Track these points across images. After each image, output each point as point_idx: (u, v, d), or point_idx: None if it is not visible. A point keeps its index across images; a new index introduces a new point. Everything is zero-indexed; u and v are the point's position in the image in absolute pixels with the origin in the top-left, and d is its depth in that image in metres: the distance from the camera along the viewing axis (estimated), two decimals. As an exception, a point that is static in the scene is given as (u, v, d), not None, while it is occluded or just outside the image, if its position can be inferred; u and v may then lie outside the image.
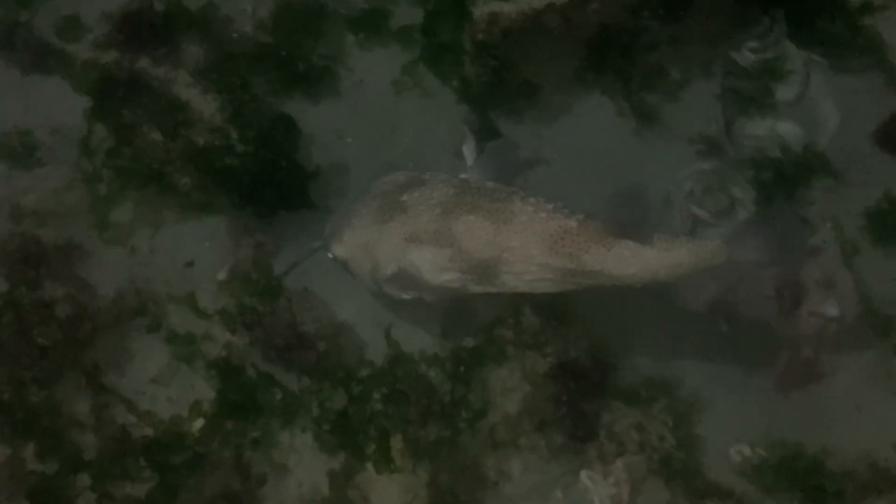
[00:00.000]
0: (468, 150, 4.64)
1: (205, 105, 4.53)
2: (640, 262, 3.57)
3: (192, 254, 4.52)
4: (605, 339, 4.24)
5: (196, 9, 4.82)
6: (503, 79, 4.66)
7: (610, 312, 4.26)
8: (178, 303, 4.41)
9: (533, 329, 4.12)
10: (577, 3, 4.42)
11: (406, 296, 3.87)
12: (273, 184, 4.45)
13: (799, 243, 3.74)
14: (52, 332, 4.16)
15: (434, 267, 3.75)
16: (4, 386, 4.12)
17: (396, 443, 3.98)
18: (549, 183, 4.60)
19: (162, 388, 4.32)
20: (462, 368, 4.17)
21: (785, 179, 4.55)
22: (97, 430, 4.19)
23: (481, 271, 3.71)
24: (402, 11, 4.94)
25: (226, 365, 4.28)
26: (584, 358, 4.09)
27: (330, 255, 4.17)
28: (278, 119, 4.52)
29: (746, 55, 4.77)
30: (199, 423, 4.22)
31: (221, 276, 4.45)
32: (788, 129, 4.68)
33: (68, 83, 4.72)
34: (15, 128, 4.70)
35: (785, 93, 4.75)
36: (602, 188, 4.51)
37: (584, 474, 4.09)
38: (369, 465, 3.99)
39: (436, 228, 3.73)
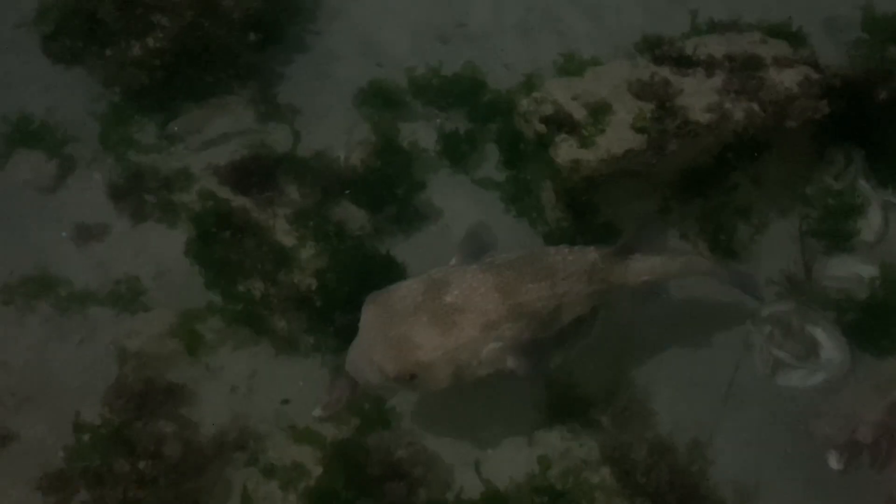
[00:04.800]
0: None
1: (303, 250, 4.77)
2: (649, 269, 4.40)
3: (288, 392, 4.66)
4: (700, 480, 4.29)
5: (293, 157, 5.13)
6: (584, 221, 4.82)
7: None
8: (276, 439, 4.51)
9: (630, 469, 4.22)
10: (656, 148, 4.61)
11: (483, 373, 4.19)
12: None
13: (755, 285, 4.71)
14: (161, 469, 4.31)
15: (516, 336, 4.14)
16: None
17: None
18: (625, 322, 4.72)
19: (258, 522, 4.44)
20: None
21: (870, 321, 4.57)
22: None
23: (548, 322, 4.26)
24: (488, 162, 5.24)
25: (319, 499, 4.38)
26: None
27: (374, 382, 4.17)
28: (371, 263, 4.73)
29: (823, 196, 4.87)
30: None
31: (317, 413, 4.60)
32: (871, 272, 4.70)
33: (174, 230, 5.00)
34: (124, 274, 4.97)
35: (865, 234, 4.82)
36: (680, 330, 4.72)
37: None
38: None
39: (507, 308, 4.11)
